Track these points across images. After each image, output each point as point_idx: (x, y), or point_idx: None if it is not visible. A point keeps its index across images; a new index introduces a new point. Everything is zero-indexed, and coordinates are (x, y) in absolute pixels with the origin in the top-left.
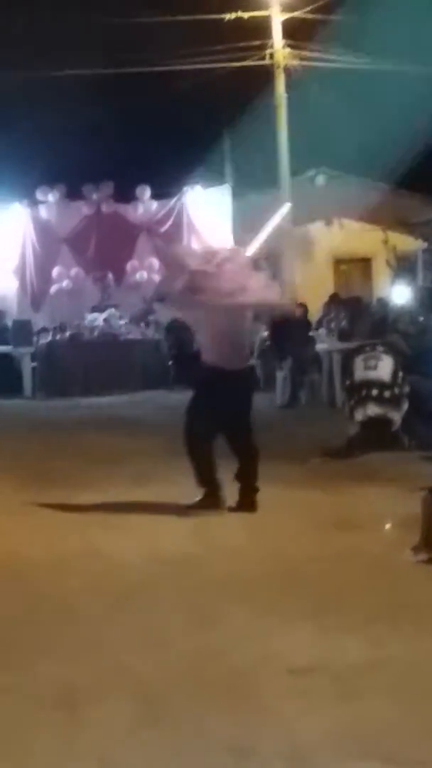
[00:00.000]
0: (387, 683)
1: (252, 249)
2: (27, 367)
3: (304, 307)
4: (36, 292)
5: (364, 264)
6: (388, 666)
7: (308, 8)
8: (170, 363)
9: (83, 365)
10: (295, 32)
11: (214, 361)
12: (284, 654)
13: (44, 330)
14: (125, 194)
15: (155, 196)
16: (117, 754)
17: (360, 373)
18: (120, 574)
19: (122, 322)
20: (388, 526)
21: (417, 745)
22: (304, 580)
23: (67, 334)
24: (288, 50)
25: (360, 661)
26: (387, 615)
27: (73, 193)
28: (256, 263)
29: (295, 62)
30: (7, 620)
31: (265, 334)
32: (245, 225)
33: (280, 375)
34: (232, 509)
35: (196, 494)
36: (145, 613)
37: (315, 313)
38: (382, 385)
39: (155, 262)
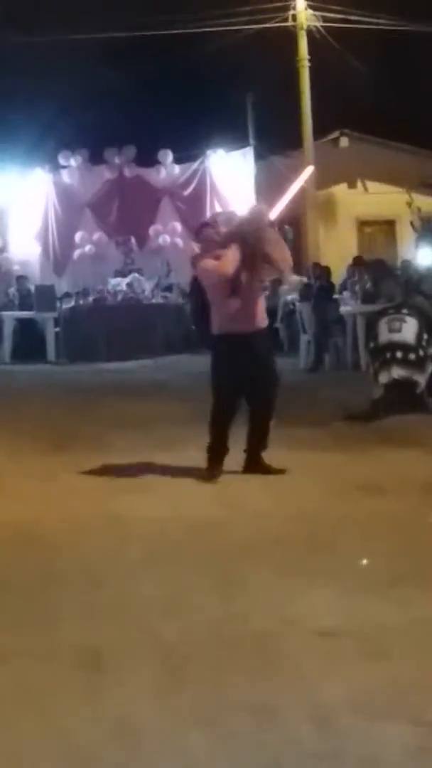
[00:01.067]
0: (412, 644)
1: (275, 212)
2: (50, 332)
3: (326, 269)
4: (59, 257)
5: (388, 226)
6: (413, 627)
7: None
8: (193, 326)
9: (106, 330)
10: None
11: (222, 327)
12: (308, 616)
13: (67, 295)
14: (148, 158)
15: (178, 159)
16: (140, 716)
17: (384, 335)
18: (143, 538)
19: (147, 285)
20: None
21: None
22: (328, 542)
23: (90, 299)
24: (310, 11)
25: (385, 622)
26: (412, 576)
27: (96, 158)
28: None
29: (318, 23)
30: (31, 585)
31: (289, 298)
32: (268, 188)
33: (304, 338)
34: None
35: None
36: (168, 577)
37: (339, 275)
38: (406, 348)
39: (178, 226)
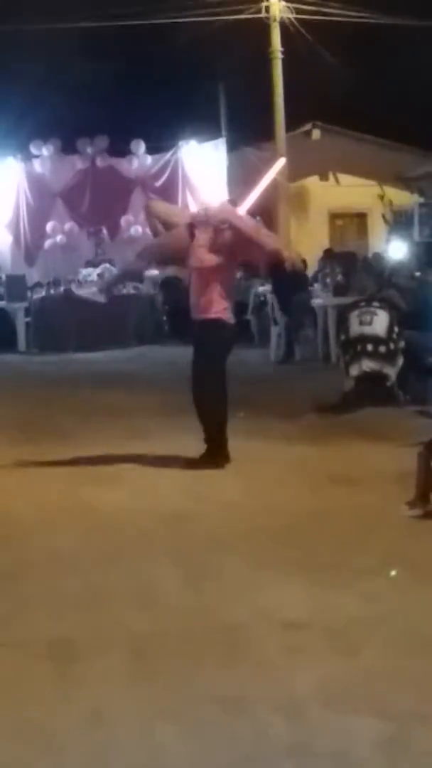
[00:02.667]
0: (382, 637)
1: (247, 204)
2: (21, 322)
3: (303, 262)
4: (30, 247)
5: (359, 219)
6: (382, 620)
7: None
8: (164, 318)
9: (77, 320)
10: None
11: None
12: (279, 608)
13: (38, 285)
14: (120, 148)
15: (150, 150)
16: (111, 707)
17: (355, 328)
18: (114, 529)
19: None
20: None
21: (412, 698)
22: (298, 535)
23: (61, 289)
24: (284, 3)
25: (355, 615)
26: (382, 569)
27: (68, 147)
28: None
29: (291, 15)
30: (1, 574)
31: (260, 289)
32: (240, 179)
33: (275, 330)
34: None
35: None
36: (138, 568)
37: (310, 268)
38: (377, 340)
39: None
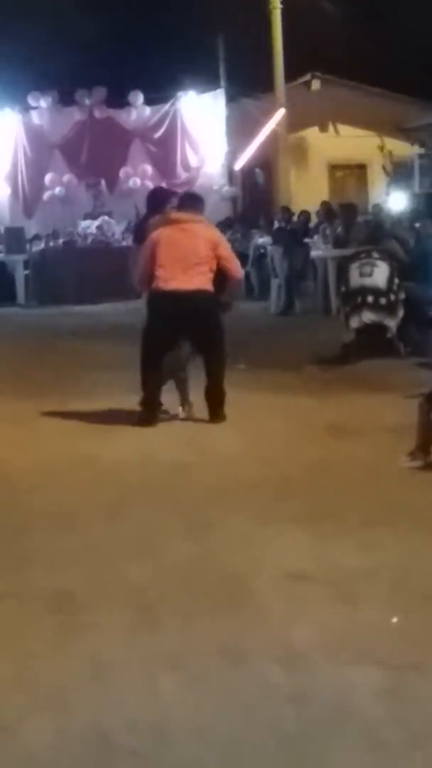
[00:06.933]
0: (382, 588)
1: (245, 157)
2: (20, 274)
3: (305, 213)
4: (28, 199)
5: (359, 170)
6: (383, 571)
7: None
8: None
9: (77, 273)
10: None
11: None
12: (279, 559)
13: (37, 237)
14: (118, 100)
15: (148, 101)
16: (112, 658)
17: (355, 279)
18: (115, 481)
19: (117, 229)
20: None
21: (411, 649)
22: (299, 486)
23: (60, 241)
24: None
25: (355, 565)
26: (382, 520)
27: (66, 99)
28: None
29: None
30: (2, 528)
31: (260, 241)
32: (239, 131)
33: (275, 282)
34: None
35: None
36: (139, 520)
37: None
38: (377, 292)
39: (148, 169)
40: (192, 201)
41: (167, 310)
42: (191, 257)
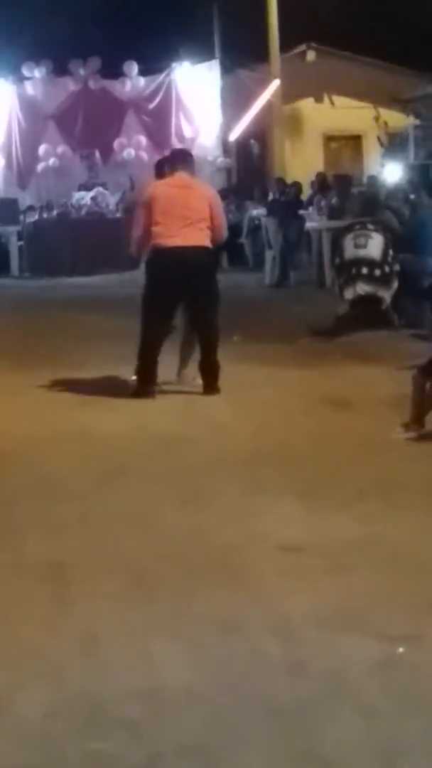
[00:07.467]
0: (376, 559)
1: (239, 128)
2: (14, 245)
3: (297, 185)
4: (22, 170)
5: (354, 141)
6: (377, 542)
7: None
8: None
9: (71, 244)
10: None
11: None
12: (273, 531)
13: (31, 208)
14: (113, 70)
15: (143, 72)
16: (107, 628)
17: (350, 251)
18: (109, 453)
19: (111, 200)
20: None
21: (405, 620)
22: (293, 458)
23: (55, 212)
24: None
25: (349, 537)
26: (377, 492)
27: (60, 69)
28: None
29: None
30: None
31: (255, 212)
32: (234, 102)
33: (269, 254)
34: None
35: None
36: (134, 492)
37: (305, 192)
38: (372, 264)
39: (143, 140)
40: (184, 157)
41: (168, 267)
42: (191, 214)
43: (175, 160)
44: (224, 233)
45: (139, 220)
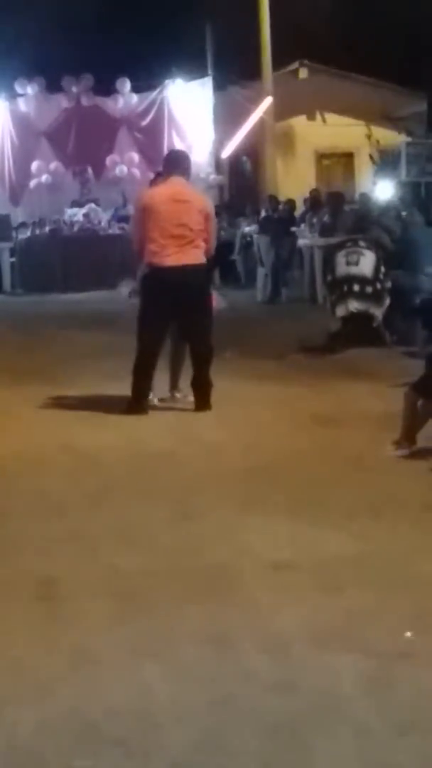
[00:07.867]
0: (367, 577)
1: (232, 145)
2: (6, 262)
3: (291, 202)
4: (15, 187)
5: (346, 159)
6: (368, 559)
7: None
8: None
9: (63, 261)
10: None
11: None
12: (264, 548)
13: (23, 225)
14: (106, 87)
15: (136, 89)
16: (95, 646)
17: (342, 268)
18: (99, 469)
19: (103, 216)
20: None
21: (395, 637)
22: (284, 475)
23: (47, 229)
24: None
25: (341, 554)
26: (368, 509)
27: (53, 86)
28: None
29: None
30: None
31: (247, 229)
32: (226, 119)
33: (261, 271)
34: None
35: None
36: (124, 508)
37: (297, 209)
38: (363, 281)
39: (135, 157)
40: (180, 161)
41: (165, 285)
42: (187, 233)
43: (170, 165)
44: (212, 248)
45: (134, 229)
